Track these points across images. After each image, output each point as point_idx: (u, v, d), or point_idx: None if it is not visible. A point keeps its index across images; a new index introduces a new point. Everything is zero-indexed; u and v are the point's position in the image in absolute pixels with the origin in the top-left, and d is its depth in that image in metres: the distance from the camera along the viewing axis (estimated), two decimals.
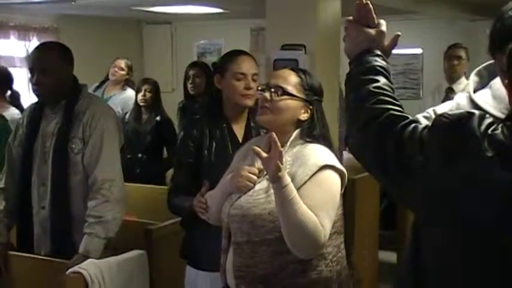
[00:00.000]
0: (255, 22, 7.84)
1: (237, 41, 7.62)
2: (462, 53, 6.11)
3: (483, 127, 1.68)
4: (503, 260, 1.65)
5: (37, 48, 3.52)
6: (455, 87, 5.99)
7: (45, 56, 3.39)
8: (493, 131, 1.67)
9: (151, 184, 4.87)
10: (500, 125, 1.68)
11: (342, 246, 2.52)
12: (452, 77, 6.12)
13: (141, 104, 5.74)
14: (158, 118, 5.71)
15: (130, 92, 6.33)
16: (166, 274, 3.51)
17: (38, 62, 3.39)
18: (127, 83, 6.52)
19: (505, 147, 1.63)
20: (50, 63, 3.35)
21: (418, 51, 8.04)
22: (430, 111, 2.20)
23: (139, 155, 5.65)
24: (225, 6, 7.23)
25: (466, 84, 6.04)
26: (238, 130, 3.11)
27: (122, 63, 6.49)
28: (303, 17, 4.38)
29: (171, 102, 6.14)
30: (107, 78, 6.47)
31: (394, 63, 8.11)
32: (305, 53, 4.30)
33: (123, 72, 6.47)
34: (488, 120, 1.70)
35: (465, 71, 6.03)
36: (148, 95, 5.72)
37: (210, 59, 7.87)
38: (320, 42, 4.35)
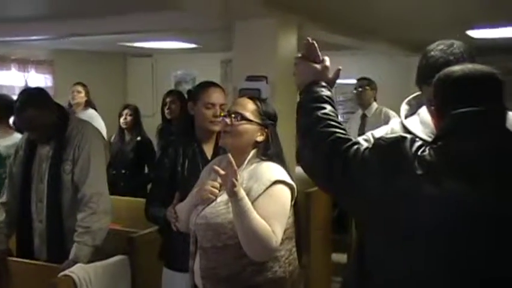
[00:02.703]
0: (225, 55, 7.82)
1: (209, 72, 7.62)
2: (365, 84, 6.19)
3: (414, 149, 1.71)
4: (439, 263, 1.67)
5: (17, 110, 3.41)
6: (367, 112, 6.09)
7: (25, 117, 3.34)
8: (421, 152, 1.70)
9: (133, 197, 4.83)
10: (428, 147, 1.71)
11: (294, 249, 2.53)
12: (362, 104, 6.21)
13: (123, 126, 5.72)
14: (139, 138, 5.69)
15: (91, 111, 6.35)
16: (147, 275, 3.49)
17: (22, 123, 3.45)
18: (88, 103, 6.47)
19: (431, 166, 1.65)
20: (32, 121, 3.32)
21: None
22: (369, 135, 2.22)
23: (123, 171, 5.61)
24: (198, 42, 7.25)
25: (377, 108, 6.19)
26: (208, 150, 3.11)
27: (79, 87, 6.44)
28: (265, 52, 4.40)
29: (152, 125, 6.10)
30: (70, 105, 6.35)
31: (344, 91, 8.21)
32: (267, 83, 4.32)
33: (81, 95, 6.41)
34: (418, 143, 1.73)
35: (374, 98, 6.13)
36: (129, 118, 5.71)
37: (185, 88, 7.86)
38: (279, 73, 4.37)
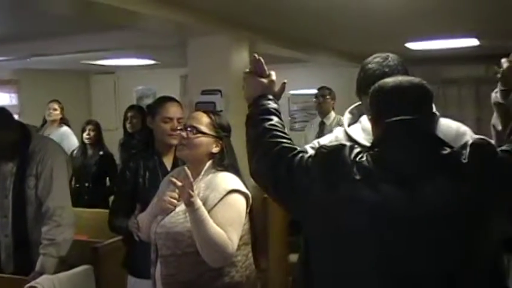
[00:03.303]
0: (184, 70, 7.80)
1: (169, 87, 7.58)
2: (327, 93, 6.24)
3: (353, 156, 1.72)
4: (376, 264, 1.67)
5: None
6: (326, 120, 6.15)
7: None
8: (360, 158, 1.71)
9: (97, 208, 4.76)
10: (365, 154, 1.72)
11: (250, 254, 2.52)
12: (321, 112, 6.26)
13: (86, 141, 5.64)
14: (101, 152, 5.61)
15: (65, 128, 6.25)
16: (111, 284, 3.45)
17: None
18: (62, 121, 6.37)
19: (368, 171, 1.67)
20: None
21: (315, 91, 8.05)
22: (315, 142, 2.22)
23: (86, 184, 5.52)
24: (158, 59, 7.25)
25: (335, 117, 6.23)
26: (168, 162, 3.08)
27: (55, 105, 6.32)
28: (218, 67, 4.40)
29: (115, 138, 6.04)
30: (45, 121, 6.28)
31: (295, 101, 8.26)
32: (221, 97, 4.31)
33: (56, 112, 6.29)
34: (357, 150, 1.74)
35: (333, 107, 6.18)
36: (92, 133, 5.62)
37: (147, 102, 7.81)
38: (233, 87, 4.35)
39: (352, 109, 2.28)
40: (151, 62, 7.46)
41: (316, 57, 6.57)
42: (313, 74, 7.81)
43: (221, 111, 4.20)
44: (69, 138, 6.00)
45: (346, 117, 2.25)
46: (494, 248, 1.71)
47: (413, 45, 5.96)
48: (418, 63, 7.42)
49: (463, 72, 7.38)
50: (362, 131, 2.11)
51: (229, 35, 4.42)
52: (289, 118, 8.21)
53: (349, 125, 2.20)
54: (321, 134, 5.92)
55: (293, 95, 8.07)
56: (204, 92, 4.38)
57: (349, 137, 2.06)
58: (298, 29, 4.96)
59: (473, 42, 5.62)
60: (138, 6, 3.48)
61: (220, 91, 4.34)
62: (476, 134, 1.98)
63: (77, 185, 5.45)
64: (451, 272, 1.65)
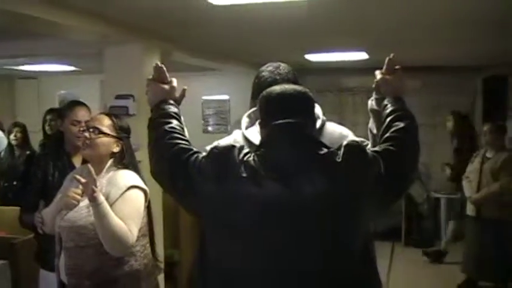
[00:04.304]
0: (103, 76, 7.63)
1: (89, 91, 7.39)
2: None
3: (241, 156, 1.72)
4: (260, 258, 1.68)
5: None
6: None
7: None
8: (247, 158, 1.71)
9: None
10: (253, 154, 1.72)
11: (148, 245, 2.53)
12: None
13: (14, 143, 5.48)
14: (28, 152, 5.42)
15: None
16: (26, 277, 3.32)
17: None
18: None
19: (254, 170, 1.67)
20: None
21: (226, 97, 8.12)
22: (216, 143, 2.21)
23: (14, 183, 5.29)
24: (78, 65, 7.08)
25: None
26: (77, 162, 3.00)
27: None
28: (132, 74, 4.33)
29: (38, 139, 5.82)
30: None
31: (208, 106, 8.24)
32: (133, 101, 4.25)
33: None
34: (245, 150, 1.75)
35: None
36: (18, 135, 5.49)
37: None
38: (145, 92, 4.26)
39: (249, 113, 2.28)
40: (72, 68, 7.25)
41: (226, 66, 6.57)
42: (224, 81, 7.82)
43: (134, 114, 4.14)
44: (2, 142, 5.75)
45: (244, 121, 2.24)
46: (364, 235, 1.77)
47: (312, 57, 6.08)
48: (318, 73, 7.61)
49: (357, 81, 7.61)
50: (258, 133, 2.11)
51: (142, 44, 4.38)
52: (203, 121, 8.21)
53: (246, 128, 2.20)
54: None
55: (206, 100, 8.09)
56: (117, 97, 4.30)
57: (246, 139, 2.05)
58: (208, 39, 4.96)
59: (363, 55, 5.80)
60: (62, 18, 3.44)
61: (132, 96, 4.27)
62: (358, 137, 2.01)
63: (6, 184, 5.31)
64: (329, 261, 1.68)
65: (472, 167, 5.44)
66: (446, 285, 5.63)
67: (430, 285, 5.75)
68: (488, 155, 5.35)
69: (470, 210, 5.40)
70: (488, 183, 5.21)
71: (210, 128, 8.28)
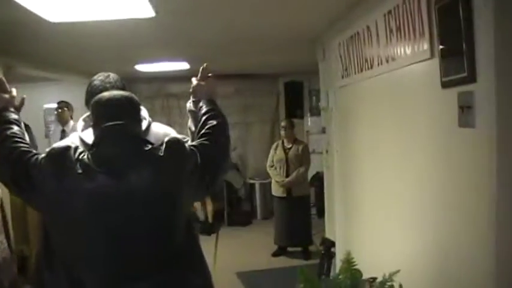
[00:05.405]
0: None
1: None
2: (64, 106, 6.08)
3: (77, 155, 1.78)
4: (100, 246, 1.75)
5: None
6: (66, 128, 6.03)
7: None
8: (82, 156, 1.78)
9: None
10: (87, 153, 1.80)
11: (4, 241, 2.48)
12: (61, 121, 6.12)
13: None
14: None
15: None
16: None
17: None
18: None
19: (88, 166, 1.75)
20: None
21: None
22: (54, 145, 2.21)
23: None
24: None
25: (73, 124, 6.05)
26: None
27: None
28: None
29: None
30: None
31: (50, 113, 7.79)
32: None
33: None
34: (80, 150, 1.81)
35: (71, 116, 6.06)
36: None
37: None
38: None
39: (85, 117, 2.26)
40: None
41: (67, 76, 6.36)
42: (65, 90, 7.45)
43: None
44: None
45: (80, 124, 2.23)
46: (187, 215, 1.89)
47: (141, 67, 6.14)
48: (147, 81, 7.67)
49: (181, 88, 7.77)
50: (92, 134, 2.15)
51: None
52: (45, 127, 7.78)
53: (82, 131, 2.21)
54: (62, 139, 5.71)
55: (47, 108, 7.74)
56: None
57: (82, 140, 2.07)
58: (49, 53, 4.78)
59: (185, 65, 6.01)
60: None
61: None
62: (181, 135, 2.11)
63: None
64: (157, 240, 1.78)
65: (277, 157, 6.05)
66: (264, 255, 6.14)
67: (251, 255, 6.18)
68: (286, 145, 6.09)
69: (279, 192, 6.03)
70: (296, 167, 5.94)
71: (51, 133, 7.87)
